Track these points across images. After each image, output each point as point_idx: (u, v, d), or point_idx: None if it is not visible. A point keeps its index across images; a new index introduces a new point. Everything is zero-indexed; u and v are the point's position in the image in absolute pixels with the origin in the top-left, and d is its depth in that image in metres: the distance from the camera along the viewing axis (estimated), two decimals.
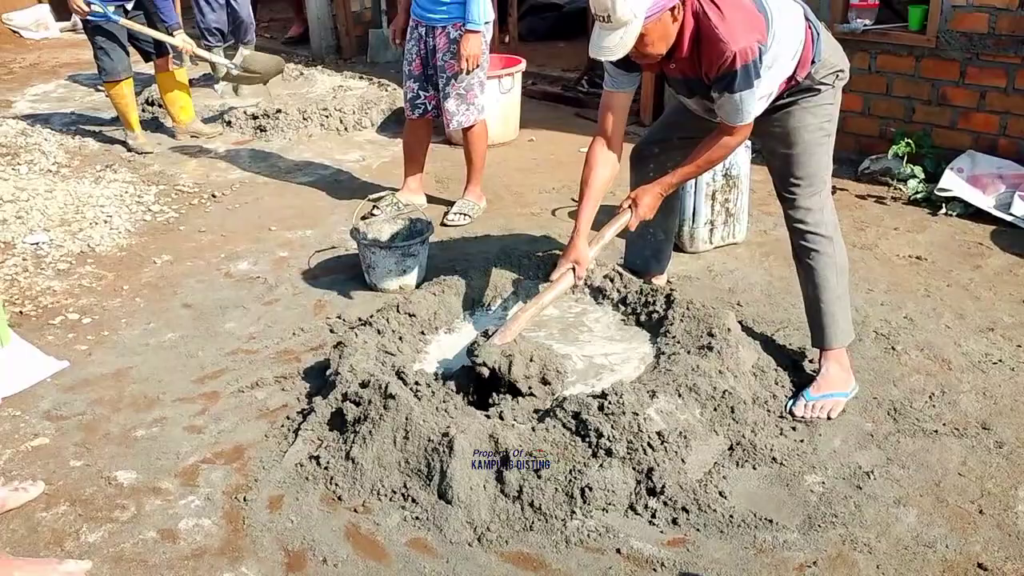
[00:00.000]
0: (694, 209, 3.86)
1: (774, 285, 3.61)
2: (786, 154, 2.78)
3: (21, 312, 3.54)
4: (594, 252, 2.92)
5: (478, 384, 2.72)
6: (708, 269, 3.81)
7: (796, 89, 2.73)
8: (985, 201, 4.19)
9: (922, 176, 4.38)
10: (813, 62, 2.69)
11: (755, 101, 2.56)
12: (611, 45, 2.39)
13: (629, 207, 2.88)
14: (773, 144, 2.82)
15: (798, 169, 2.76)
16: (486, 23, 4.00)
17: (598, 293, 3.29)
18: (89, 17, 5.03)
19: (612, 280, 3.27)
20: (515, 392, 2.63)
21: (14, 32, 8.68)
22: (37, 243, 4.16)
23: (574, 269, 2.84)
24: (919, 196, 4.36)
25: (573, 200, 4.50)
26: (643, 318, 3.12)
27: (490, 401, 2.67)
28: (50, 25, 8.98)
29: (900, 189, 4.45)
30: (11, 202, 4.56)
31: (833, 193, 4.50)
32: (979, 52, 4.33)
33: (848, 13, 4.71)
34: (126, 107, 5.44)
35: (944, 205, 4.25)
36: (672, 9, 2.41)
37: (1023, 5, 4.15)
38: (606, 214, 2.99)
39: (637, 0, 2.33)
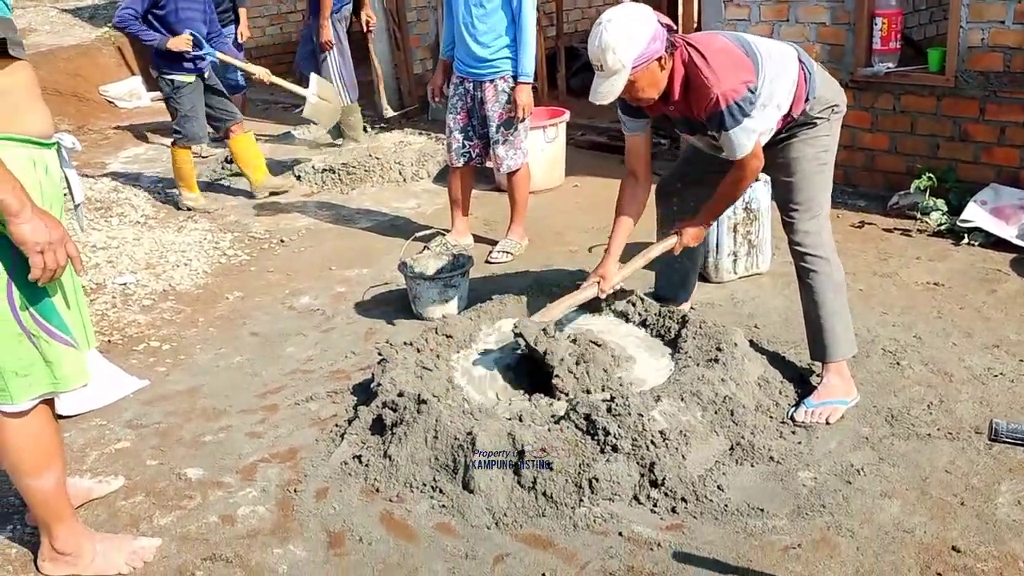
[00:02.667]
0: (718, 241, 4.12)
1: (792, 310, 3.82)
2: (786, 182, 3.05)
3: (109, 341, 4.00)
4: (626, 271, 3.27)
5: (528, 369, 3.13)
6: (731, 297, 4.05)
7: (794, 124, 3.00)
8: (1007, 231, 4.34)
9: (945, 209, 4.56)
10: (807, 99, 2.96)
11: (749, 135, 2.82)
12: (604, 91, 2.74)
13: (675, 233, 3.20)
14: (775, 173, 3.10)
15: (797, 195, 3.02)
16: None
17: (622, 316, 3.56)
18: (194, 56, 5.56)
19: (634, 305, 3.55)
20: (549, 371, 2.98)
21: (110, 102, 9.48)
22: (125, 283, 4.65)
23: (599, 282, 3.19)
24: (943, 228, 4.53)
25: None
26: (661, 336, 3.39)
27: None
28: (142, 95, 9.77)
29: (926, 222, 4.63)
30: (103, 249, 5.09)
31: (860, 227, 4.78)
32: (996, 90, 4.52)
33: (872, 57, 4.95)
34: (191, 170, 5.90)
35: (967, 236, 4.41)
36: (659, 59, 2.73)
37: None
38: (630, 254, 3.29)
39: (625, 52, 2.67)
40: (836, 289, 3.06)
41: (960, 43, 4.57)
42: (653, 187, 3.38)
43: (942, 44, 4.75)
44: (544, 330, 3.05)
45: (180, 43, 5.45)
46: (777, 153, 3.07)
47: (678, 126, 3.14)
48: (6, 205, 1.97)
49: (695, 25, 5.86)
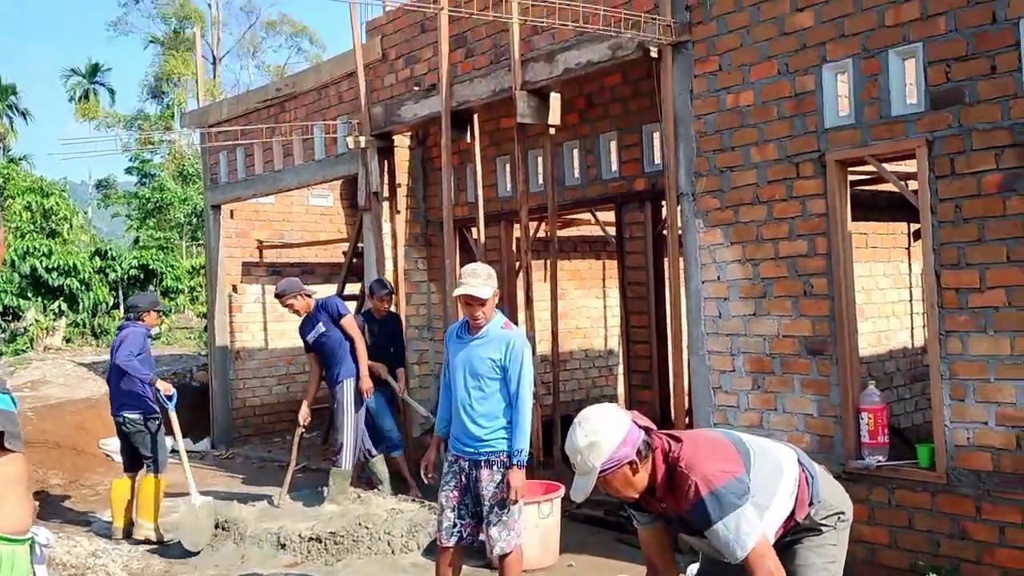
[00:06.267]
0: None
1: None
2: None
3: None
4: None
5: None
6: None
7: (798, 528, 2.94)
8: None
9: None
10: (811, 503, 2.92)
11: (744, 527, 2.64)
12: (579, 487, 2.76)
13: None
14: None
15: None
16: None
17: None
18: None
19: None
20: None
21: (107, 456, 9.50)
22: None
23: None
24: None
25: None
26: None
27: None
28: None
29: None
30: None
31: None
32: (989, 489, 4.52)
33: (862, 450, 5.02)
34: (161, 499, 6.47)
35: None
36: (631, 463, 2.73)
37: (1021, 446, 4.42)
38: None
39: (593, 456, 2.70)
40: None
41: (947, 442, 4.65)
42: None
43: (930, 437, 4.84)
44: None
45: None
46: (783, 560, 2.95)
47: (676, 526, 3.02)
48: None
49: (685, 409, 6.04)
